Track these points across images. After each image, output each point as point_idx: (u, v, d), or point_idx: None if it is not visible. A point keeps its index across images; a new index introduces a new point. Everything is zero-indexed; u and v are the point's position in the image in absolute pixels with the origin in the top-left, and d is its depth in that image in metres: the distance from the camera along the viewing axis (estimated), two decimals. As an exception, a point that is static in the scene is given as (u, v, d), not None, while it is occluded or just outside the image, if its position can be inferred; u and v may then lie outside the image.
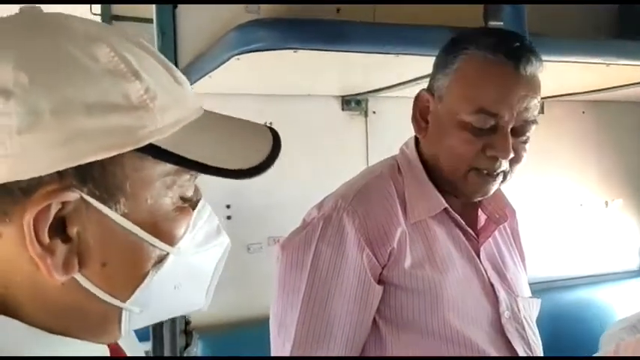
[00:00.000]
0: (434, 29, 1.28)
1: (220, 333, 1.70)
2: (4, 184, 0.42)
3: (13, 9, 0.50)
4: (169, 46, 1.61)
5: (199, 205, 0.52)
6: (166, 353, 1.63)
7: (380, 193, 0.96)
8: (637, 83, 1.83)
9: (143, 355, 0.64)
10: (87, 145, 0.42)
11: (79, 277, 0.45)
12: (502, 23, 1.25)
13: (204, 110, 0.52)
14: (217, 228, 0.54)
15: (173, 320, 1.62)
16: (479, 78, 0.91)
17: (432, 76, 0.99)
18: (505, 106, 0.89)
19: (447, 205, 0.97)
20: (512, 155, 0.91)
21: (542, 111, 2.20)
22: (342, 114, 1.92)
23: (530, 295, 1.07)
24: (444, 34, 1.29)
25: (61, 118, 0.42)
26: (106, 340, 0.51)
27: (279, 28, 1.14)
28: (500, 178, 0.94)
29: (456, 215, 0.98)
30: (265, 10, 1.68)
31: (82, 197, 0.44)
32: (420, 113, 0.99)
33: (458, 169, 0.94)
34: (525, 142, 0.94)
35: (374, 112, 1.95)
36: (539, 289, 2.15)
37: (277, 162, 1.74)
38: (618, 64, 1.48)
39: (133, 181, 0.46)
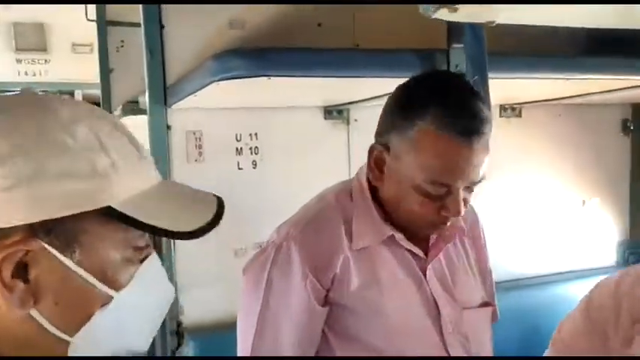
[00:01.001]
0: (399, 53, 1.37)
1: (210, 333, 1.80)
2: None
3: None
4: (157, 65, 1.70)
5: (149, 258, 0.61)
6: (158, 354, 1.73)
7: (328, 223, 1.06)
8: (609, 91, 1.92)
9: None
10: (54, 205, 0.53)
11: (34, 312, 0.55)
12: (463, 45, 1.34)
13: (162, 180, 0.63)
14: (164, 279, 0.64)
15: (164, 321, 1.72)
16: (433, 153, 0.96)
17: (387, 130, 1.03)
18: (457, 177, 0.96)
19: (392, 233, 1.05)
20: (463, 210, 0.98)
21: (519, 114, 2.30)
22: (324, 122, 2.01)
23: (484, 302, 1.16)
24: (410, 58, 1.39)
25: (36, 183, 0.52)
26: None
27: (253, 58, 1.23)
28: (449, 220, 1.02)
29: (402, 241, 1.06)
30: (250, 25, 1.77)
31: (43, 247, 0.53)
32: (375, 163, 1.04)
33: (414, 223, 1.03)
34: (474, 190, 1.02)
35: (355, 120, 2.04)
36: (518, 285, 2.28)
37: (263, 170, 1.86)
38: (577, 79, 1.57)
39: (89, 235, 0.56)
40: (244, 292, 1.09)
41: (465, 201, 1.00)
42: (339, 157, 2.01)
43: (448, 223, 1.01)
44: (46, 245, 0.54)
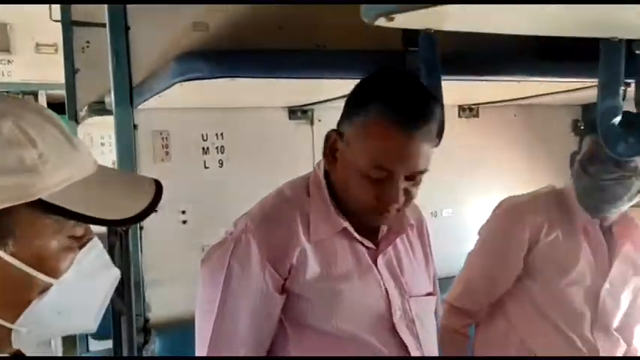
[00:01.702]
0: (359, 55, 1.43)
1: (177, 329, 1.83)
2: None
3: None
4: (123, 66, 1.72)
5: (88, 244, 0.64)
6: (125, 350, 1.76)
7: (284, 216, 1.11)
8: (560, 92, 2.02)
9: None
10: None
11: None
12: (417, 49, 1.41)
13: (99, 167, 0.65)
14: (107, 262, 0.67)
15: (130, 318, 1.75)
16: (377, 139, 1.03)
17: (342, 119, 1.10)
18: (397, 164, 1.02)
19: (346, 225, 1.11)
20: (402, 199, 1.05)
21: (476, 115, 2.39)
22: (289, 122, 2.06)
23: (429, 293, 1.24)
24: (370, 60, 1.44)
25: None
26: (6, 352, 0.63)
27: (215, 60, 1.27)
28: (395, 212, 1.08)
29: (354, 233, 1.12)
30: (213, 27, 1.80)
31: None
32: (330, 150, 1.11)
33: (359, 208, 1.09)
34: (418, 182, 1.07)
35: (319, 121, 2.09)
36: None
37: (230, 169, 1.90)
38: (530, 81, 1.66)
39: (23, 227, 0.59)
40: (203, 282, 1.13)
41: (409, 193, 1.06)
42: (304, 156, 2.06)
43: (391, 212, 1.06)
44: None
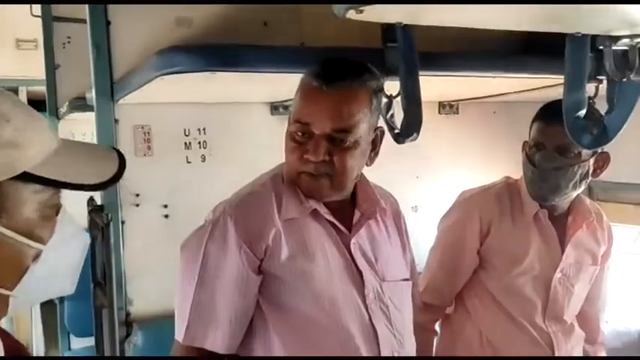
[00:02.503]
0: (339, 52, 1.45)
1: (159, 323, 1.84)
2: None
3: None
4: (104, 61, 1.73)
5: (61, 211, 0.69)
6: (107, 344, 1.76)
7: (260, 199, 1.16)
8: (538, 88, 2.06)
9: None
10: None
11: None
12: (396, 44, 1.43)
13: (61, 139, 0.69)
14: (78, 229, 0.72)
15: (112, 312, 1.75)
16: (298, 96, 1.15)
17: None
18: (313, 116, 1.11)
19: (317, 207, 1.16)
20: (324, 158, 1.10)
21: (457, 111, 2.43)
22: (271, 118, 2.08)
23: (405, 278, 1.28)
24: (349, 56, 1.46)
25: None
26: None
27: (196, 53, 1.29)
28: (327, 180, 1.13)
29: (326, 215, 1.17)
30: (197, 23, 1.81)
31: None
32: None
33: (291, 174, 1.16)
34: (347, 149, 1.12)
35: (301, 116, 2.11)
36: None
37: (212, 164, 1.92)
38: (508, 77, 1.70)
39: (11, 200, 0.62)
40: (181, 265, 1.17)
41: (335, 156, 1.11)
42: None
43: (312, 170, 1.12)
44: None
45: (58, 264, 0.69)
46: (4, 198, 0.62)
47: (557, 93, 2.17)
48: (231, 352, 1.16)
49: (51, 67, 3.19)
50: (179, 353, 1.17)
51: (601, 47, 0.97)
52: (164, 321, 1.85)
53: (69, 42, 3.15)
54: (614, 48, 0.96)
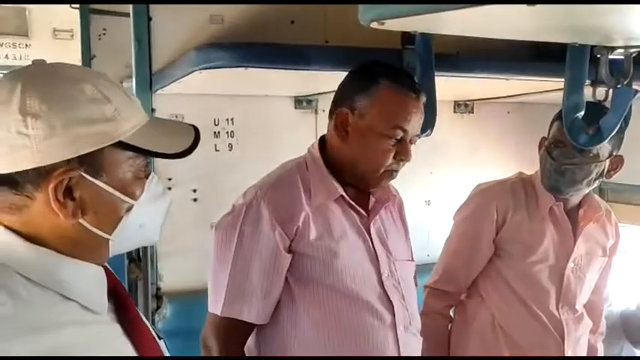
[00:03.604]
0: (362, 51, 1.57)
1: (186, 298, 1.99)
2: (36, 168, 0.73)
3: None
4: (144, 54, 1.87)
5: (150, 176, 0.83)
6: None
7: (289, 185, 1.28)
8: (551, 90, 2.15)
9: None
10: (83, 144, 0.74)
11: (82, 220, 0.76)
12: (414, 47, 1.55)
13: (151, 116, 0.84)
14: (164, 190, 0.86)
15: (146, 285, 1.91)
16: (394, 104, 1.27)
17: (349, 96, 1.31)
18: (410, 122, 1.26)
19: (342, 193, 1.29)
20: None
21: (471, 111, 2.53)
22: (294, 112, 2.21)
23: (409, 259, 1.42)
24: (371, 55, 1.58)
25: (68, 130, 0.73)
26: (99, 262, 0.81)
27: (232, 51, 1.42)
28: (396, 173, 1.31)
29: (350, 200, 1.30)
30: (228, 20, 1.94)
31: (80, 174, 0.75)
32: (342, 125, 1.30)
33: (376, 170, 1.28)
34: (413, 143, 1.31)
35: (323, 111, 2.23)
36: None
37: (238, 152, 2.07)
38: (517, 80, 1.80)
39: (110, 163, 0.77)
40: (217, 245, 1.29)
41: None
42: (307, 143, 2.18)
43: (398, 171, 1.30)
44: (83, 173, 0.75)
45: (146, 217, 0.82)
46: (105, 160, 0.75)
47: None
48: (263, 322, 1.28)
49: (87, 57, 3.34)
50: (215, 325, 1.28)
51: (598, 55, 1.06)
52: (190, 295, 2.01)
53: (104, 34, 3.30)
54: (610, 57, 1.06)
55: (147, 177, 0.82)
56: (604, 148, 1.49)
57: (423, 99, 1.30)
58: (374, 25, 0.82)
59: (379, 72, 1.29)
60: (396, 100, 1.27)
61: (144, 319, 0.89)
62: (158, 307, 1.96)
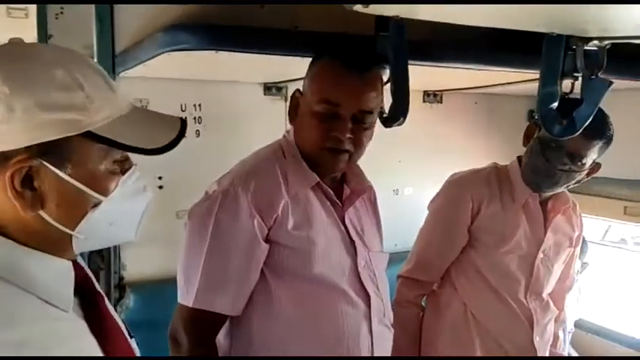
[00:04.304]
0: (329, 37, 1.54)
1: (150, 288, 1.94)
2: None
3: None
4: (106, 33, 1.78)
5: (130, 170, 0.78)
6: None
7: (267, 172, 1.24)
8: (517, 82, 2.17)
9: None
10: (45, 131, 0.69)
11: (42, 213, 0.72)
12: (388, 33, 1.52)
13: (134, 107, 0.78)
14: (144, 187, 0.81)
15: (108, 275, 1.84)
16: (325, 78, 1.22)
17: (304, 79, 1.28)
18: (342, 97, 1.19)
19: (319, 180, 1.26)
20: (349, 136, 1.19)
21: (440, 101, 2.54)
22: (264, 98, 2.17)
23: (381, 251, 1.41)
24: (339, 42, 1.55)
25: (29, 115, 0.68)
26: (65, 256, 0.77)
27: (202, 32, 1.36)
28: (345, 156, 1.23)
29: (327, 188, 1.28)
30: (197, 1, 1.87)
31: (42, 163, 0.70)
32: (293, 107, 1.28)
33: (314, 150, 1.23)
34: (366, 128, 1.22)
35: (293, 98, 2.20)
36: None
37: (206, 139, 2.00)
38: (491, 70, 1.80)
39: (77, 153, 0.72)
40: (190, 233, 1.23)
41: (356, 135, 1.20)
42: (277, 130, 2.13)
43: (341, 150, 1.21)
44: (45, 163, 0.70)
45: (118, 215, 0.77)
46: (71, 151, 0.72)
47: (535, 87, 2.31)
48: (237, 314, 1.24)
49: (43, 37, 3.17)
50: (185, 317, 1.23)
51: (574, 47, 1.07)
52: (155, 285, 1.96)
53: (62, 12, 3.15)
54: (585, 48, 1.06)
55: (124, 172, 0.77)
56: (591, 157, 1.53)
57: (375, 76, 1.23)
58: (357, 8, 0.79)
59: (327, 50, 1.25)
60: (329, 74, 1.22)
61: (115, 316, 0.85)
62: (121, 298, 1.90)
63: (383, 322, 1.32)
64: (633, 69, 1.60)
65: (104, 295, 0.84)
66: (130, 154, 0.78)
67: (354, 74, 1.20)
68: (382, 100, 1.30)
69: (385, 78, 1.55)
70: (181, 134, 0.77)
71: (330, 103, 1.19)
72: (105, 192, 0.75)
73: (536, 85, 2.14)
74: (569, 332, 2.04)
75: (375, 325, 1.29)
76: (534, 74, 1.94)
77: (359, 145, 1.23)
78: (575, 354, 2.25)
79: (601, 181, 2.48)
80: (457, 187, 1.75)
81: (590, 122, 1.36)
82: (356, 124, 1.21)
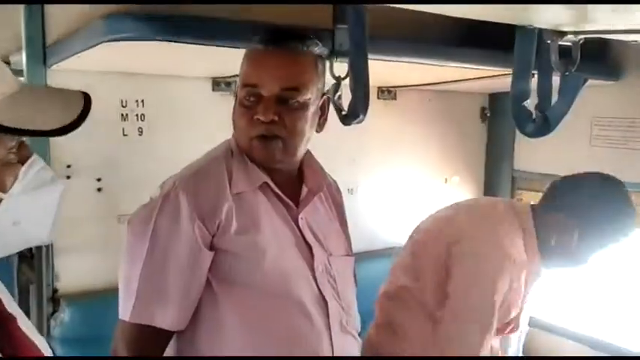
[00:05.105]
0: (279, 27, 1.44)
1: (88, 300, 1.78)
2: None
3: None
4: (37, 21, 1.62)
5: (30, 160, 0.66)
6: (33, 321, 1.68)
7: (212, 174, 1.14)
8: (470, 79, 2.15)
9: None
10: None
11: None
12: (347, 25, 1.44)
13: (25, 85, 0.67)
14: (52, 178, 0.69)
15: (40, 287, 1.68)
16: (246, 63, 1.17)
17: None
18: (260, 77, 1.13)
19: (266, 180, 1.17)
20: (273, 118, 1.11)
21: (394, 97, 2.49)
22: (212, 94, 2.04)
23: (347, 254, 1.32)
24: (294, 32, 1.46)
25: None
26: None
27: (144, 21, 1.24)
28: (279, 143, 1.14)
29: (275, 188, 1.18)
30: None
31: None
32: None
33: (243, 141, 1.16)
34: (296, 109, 1.14)
35: (243, 94, 2.09)
36: (388, 253, 2.47)
37: (150, 137, 1.84)
38: (444, 66, 1.76)
39: None
40: (129, 240, 1.12)
41: (285, 118, 1.13)
42: (227, 128, 2.03)
43: (263, 133, 1.13)
44: None
45: (28, 211, 0.67)
46: None
47: (488, 85, 2.30)
48: (180, 328, 1.13)
49: (-34, 25, 2.94)
50: (125, 333, 1.12)
51: (548, 41, 1.02)
52: (93, 297, 1.81)
53: (-12, 0, 2.92)
54: (559, 43, 1.02)
55: (23, 162, 0.66)
56: None
57: (301, 53, 1.15)
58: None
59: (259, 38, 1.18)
60: (249, 58, 1.17)
61: (34, 336, 0.73)
62: (55, 312, 1.74)
63: (346, 330, 1.24)
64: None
65: (16, 317, 0.72)
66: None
67: (274, 53, 1.14)
68: (322, 83, 1.22)
69: (343, 73, 1.47)
70: (85, 111, 0.68)
71: (251, 86, 1.13)
72: (3, 187, 0.65)
73: (489, 83, 2.16)
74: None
75: (336, 334, 1.21)
76: (489, 71, 1.94)
77: (291, 129, 1.14)
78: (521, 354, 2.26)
79: (551, 179, 2.51)
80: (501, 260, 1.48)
81: None
82: (283, 105, 1.13)
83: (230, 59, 1.71)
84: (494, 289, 1.42)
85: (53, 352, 0.77)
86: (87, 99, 0.68)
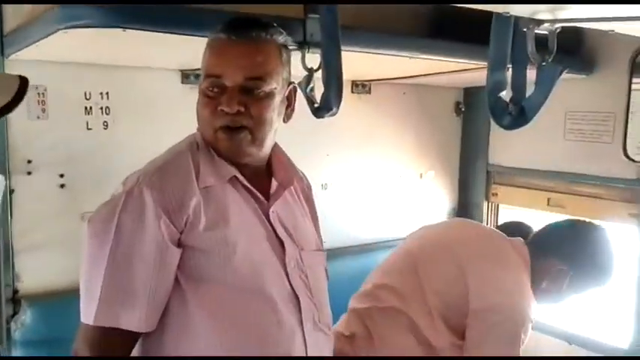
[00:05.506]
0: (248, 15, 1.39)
1: (51, 300, 1.71)
2: None
3: None
4: (-9, 8, 1.54)
5: None
6: (-8, 322, 1.61)
7: (178, 169, 1.10)
8: (444, 72, 2.13)
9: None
10: None
11: None
12: (318, 16, 1.40)
13: None
14: None
15: (-1, 289, 1.60)
16: (208, 53, 1.14)
17: None
18: (222, 67, 1.10)
19: (235, 174, 1.13)
20: (239, 108, 1.08)
21: (369, 91, 2.46)
22: (181, 87, 1.97)
23: (319, 248, 1.30)
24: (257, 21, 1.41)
25: None
26: None
27: (105, 7, 1.17)
28: (245, 134, 1.11)
29: (245, 182, 1.15)
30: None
31: None
32: None
33: (208, 133, 1.13)
34: (261, 99, 1.11)
35: (213, 86, 2.03)
36: (362, 250, 2.45)
37: (115, 131, 1.77)
38: (418, 59, 1.73)
39: None
40: (89, 240, 1.07)
41: (251, 107, 1.10)
42: (195, 122, 1.99)
43: (235, 129, 1.10)
44: None
45: None
46: None
47: (462, 79, 2.29)
48: (148, 330, 1.08)
49: None
50: (88, 337, 1.06)
51: (524, 29, 1.00)
52: (56, 298, 1.74)
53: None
54: (535, 31, 0.99)
55: None
56: None
57: (264, 41, 1.13)
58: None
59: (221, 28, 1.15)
60: (211, 48, 1.14)
61: None
62: (15, 314, 1.66)
63: (318, 327, 1.21)
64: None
65: None
66: None
67: (237, 43, 1.11)
68: (288, 71, 1.19)
69: (316, 64, 1.43)
70: (20, 94, 0.63)
71: (214, 76, 1.10)
72: None
73: (464, 76, 2.14)
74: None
75: (309, 331, 1.18)
76: (463, 65, 1.92)
77: (258, 118, 1.11)
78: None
79: (526, 173, 2.52)
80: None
81: None
82: (248, 95, 1.10)
83: (200, 50, 1.66)
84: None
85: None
86: (23, 82, 0.62)
